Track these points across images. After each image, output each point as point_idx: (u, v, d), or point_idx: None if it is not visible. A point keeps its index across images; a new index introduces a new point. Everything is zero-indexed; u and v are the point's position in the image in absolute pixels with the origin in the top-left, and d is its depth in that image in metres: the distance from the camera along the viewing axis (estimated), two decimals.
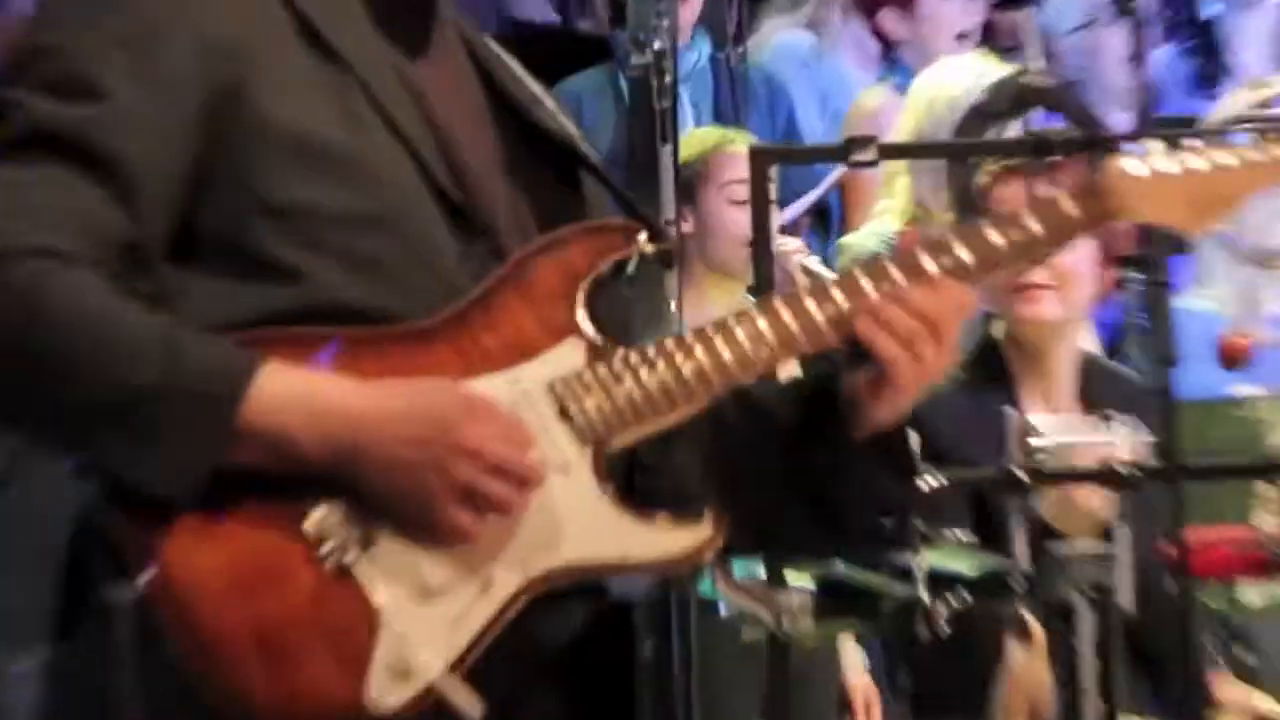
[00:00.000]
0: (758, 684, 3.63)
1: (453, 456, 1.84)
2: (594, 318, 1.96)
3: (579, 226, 2.03)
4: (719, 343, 1.97)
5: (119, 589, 1.82)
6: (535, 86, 2.13)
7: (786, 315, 1.98)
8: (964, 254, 2.03)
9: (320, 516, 1.85)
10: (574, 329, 1.95)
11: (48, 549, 2.02)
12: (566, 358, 1.94)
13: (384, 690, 1.82)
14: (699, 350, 1.96)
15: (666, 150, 3.48)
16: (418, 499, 1.84)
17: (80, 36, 1.89)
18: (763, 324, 1.98)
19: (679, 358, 1.96)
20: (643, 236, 2.01)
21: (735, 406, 2.04)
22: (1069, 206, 2.07)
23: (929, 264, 2.01)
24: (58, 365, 1.81)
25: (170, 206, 1.89)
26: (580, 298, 1.96)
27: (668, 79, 3.39)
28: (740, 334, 1.97)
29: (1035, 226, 2.05)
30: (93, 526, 1.86)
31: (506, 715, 1.91)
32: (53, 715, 1.93)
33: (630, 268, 2.00)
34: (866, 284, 2.00)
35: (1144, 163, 2.12)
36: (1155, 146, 2.15)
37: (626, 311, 2.02)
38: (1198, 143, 2.15)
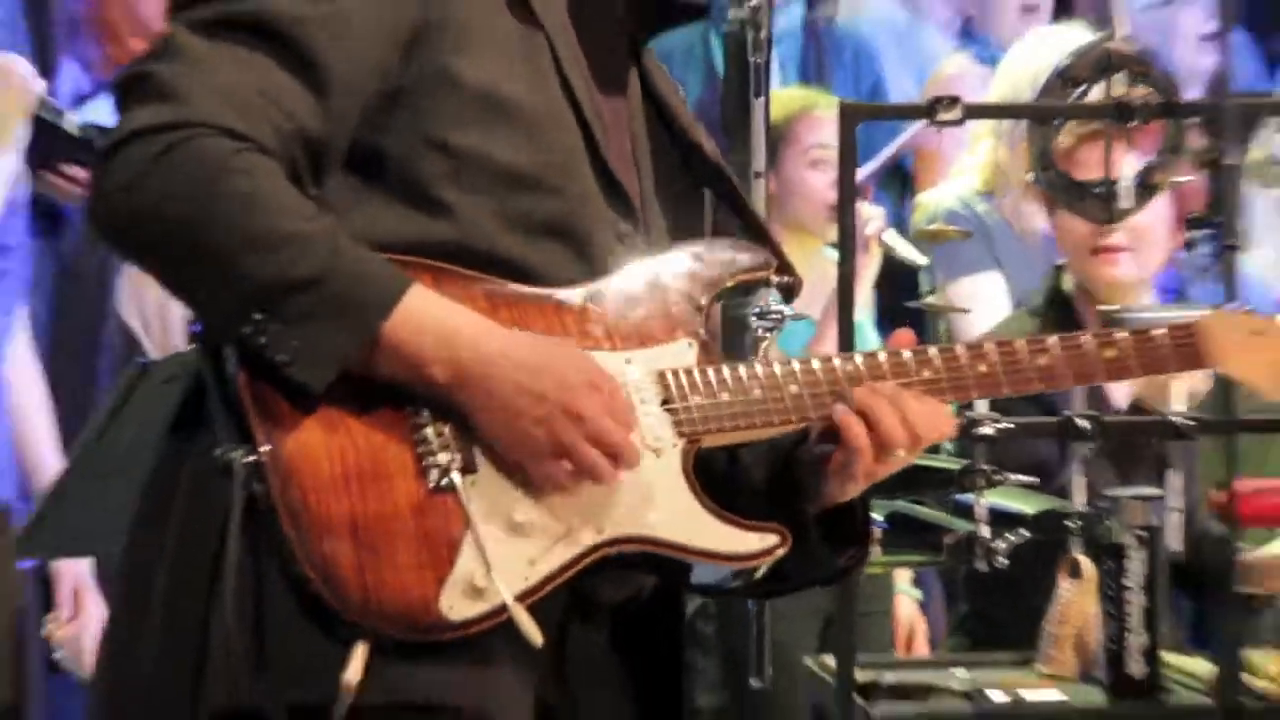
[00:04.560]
0: (819, 609, 3.73)
1: (562, 416, 1.85)
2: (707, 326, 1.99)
3: (724, 240, 2.04)
4: (820, 375, 1.98)
5: (238, 452, 1.83)
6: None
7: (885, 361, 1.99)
8: (1059, 363, 2.04)
9: (433, 434, 1.87)
10: (692, 330, 1.97)
11: None
12: (680, 354, 1.96)
13: (455, 603, 1.83)
14: (801, 376, 1.97)
15: (759, 104, 3.49)
16: (523, 445, 1.86)
17: None
18: (869, 373, 1.98)
19: (783, 378, 1.97)
20: (774, 265, 2.02)
21: (722, 451, 2.03)
22: (1163, 341, 2.07)
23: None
24: (225, 240, 1.81)
25: (355, 119, 1.89)
26: (705, 304, 1.98)
27: (763, 34, 3.39)
28: (839, 372, 1.98)
29: (1130, 359, 2.06)
30: (218, 382, 1.86)
31: (558, 654, 1.94)
32: (147, 550, 1.91)
33: (757, 299, 2.07)
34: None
35: (1239, 321, 2.14)
36: (1263, 316, 2.16)
37: (732, 333, 2.09)
38: None
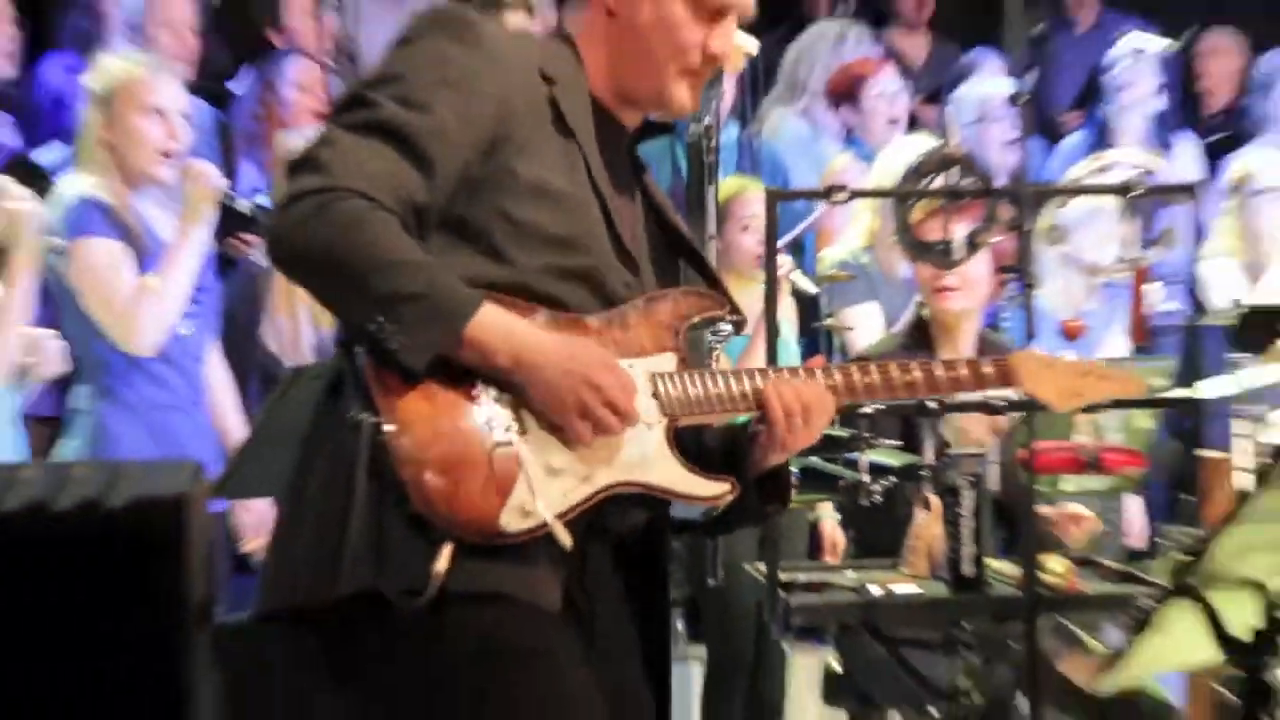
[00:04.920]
0: (755, 531, 3.71)
1: (584, 386, 1.86)
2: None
3: (694, 288, 2.05)
4: (758, 378, 2.00)
5: (364, 413, 1.84)
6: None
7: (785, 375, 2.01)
8: (919, 380, 2.05)
9: (498, 405, 1.88)
10: (673, 347, 1.98)
11: None
12: (664, 362, 1.97)
13: (511, 520, 1.84)
14: (745, 380, 1.99)
15: (710, 190, 3.52)
16: (559, 407, 1.87)
17: (426, 73, 1.91)
18: (789, 376, 2.00)
19: (732, 382, 1.99)
20: (728, 307, 2.04)
21: (691, 428, 2.02)
22: (989, 370, 2.10)
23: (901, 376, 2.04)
24: (358, 266, 1.82)
25: (447, 194, 1.91)
26: (682, 330, 2.00)
27: (713, 144, 3.40)
28: (767, 377, 2.00)
29: (966, 377, 2.08)
30: (352, 369, 1.87)
31: (580, 566, 1.94)
32: (303, 487, 1.90)
33: (714, 326, 2.04)
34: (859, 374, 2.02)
35: (1039, 358, 2.17)
36: (1054, 355, 2.19)
37: (695, 347, 2.05)
38: (1072, 356, 2.20)
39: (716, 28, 1.99)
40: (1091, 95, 5.18)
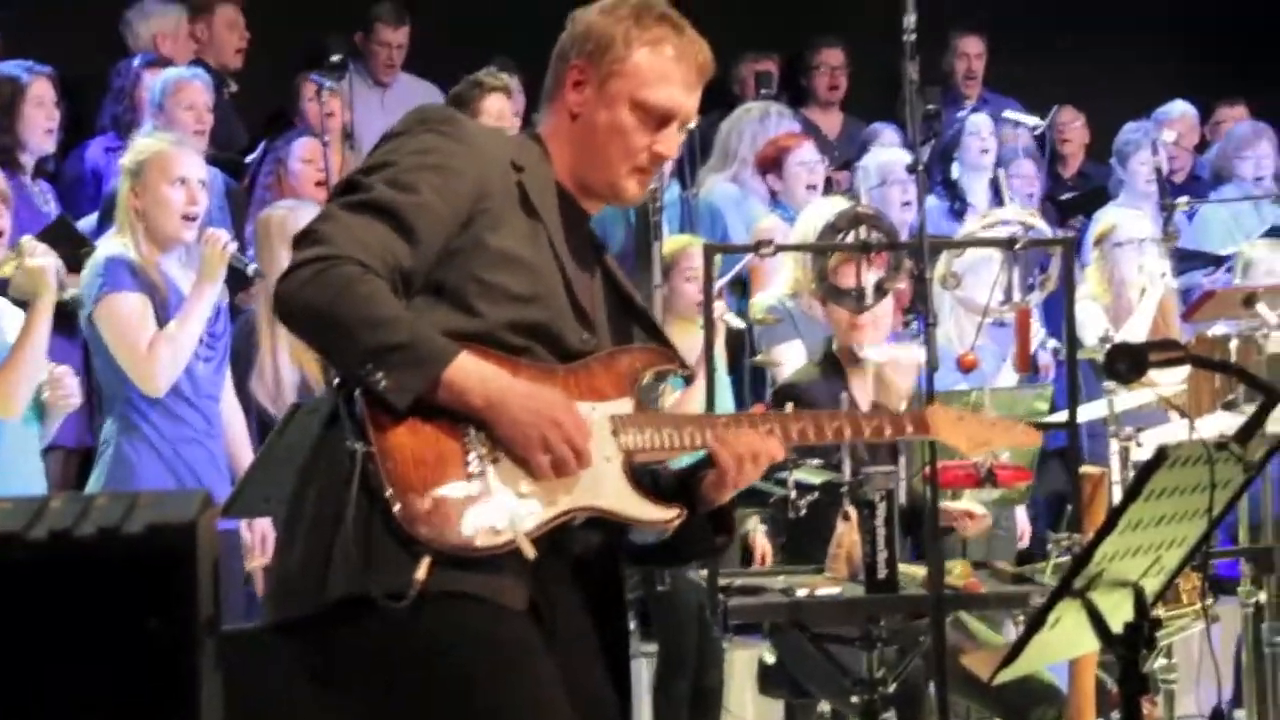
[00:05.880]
0: None
1: (546, 425, 1.85)
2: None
3: (650, 346, 2.02)
4: (705, 426, 1.98)
5: (357, 443, 1.82)
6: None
7: (734, 425, 1.98)
8: (845, 426, 2.03)
9: (473, 438, 1.86)
10: (630, 394, 1.96)
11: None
12: (623, 407, 1.95)
13: (484, 538, 1.82)
14: (694, 425, 1.97)
15: (656, 245, 3.54)
16: (524, 441, 1.85)
17: (412, 160, 1.91)
18: (734, 425, 1.98)
19: (683, 425, 1.97)
20: (678, 362, 2.02)
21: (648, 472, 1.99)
22: (907, 422, 2.10)
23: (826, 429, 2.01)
24: (352, 322, 1.81)
25: (430, 262, 1.90)
26: (638, 380, 1.97)
27: (658, 204, 3.44)
28: (715, 424, 1.98)
29: (886, 427, 2.07)
30: (348, 407, 1.85)
31: (542, 580, 1.91)
32: (300, 504, 1.88)
33: (667, 377, 2.02)
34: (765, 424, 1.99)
35: (950, 412, 2.17)
36: (962, 410, 2.19)
37: (649, 394, 2.02)
38: (971, 411, 2.24)
39: (662, 133, 1.98)
40: (946, 160, 5.38)
